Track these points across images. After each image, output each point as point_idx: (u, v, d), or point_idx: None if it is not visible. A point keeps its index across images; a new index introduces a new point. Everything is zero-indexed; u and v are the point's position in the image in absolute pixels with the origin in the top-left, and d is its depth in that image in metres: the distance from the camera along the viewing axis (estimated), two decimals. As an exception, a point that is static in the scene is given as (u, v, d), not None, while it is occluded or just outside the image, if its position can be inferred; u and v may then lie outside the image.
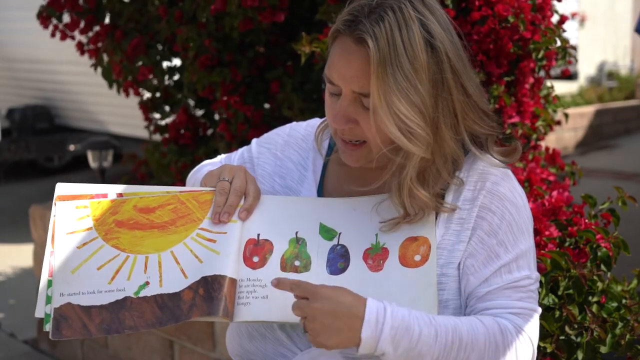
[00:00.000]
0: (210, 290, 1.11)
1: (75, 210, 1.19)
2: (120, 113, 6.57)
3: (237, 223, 1.18)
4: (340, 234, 1.19)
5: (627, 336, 1.56)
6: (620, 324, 1.57)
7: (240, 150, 1.42)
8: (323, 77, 1.17)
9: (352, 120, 1.13)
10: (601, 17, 11.34)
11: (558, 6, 2.36)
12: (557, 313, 1.58)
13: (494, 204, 1.17)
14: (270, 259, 1.17)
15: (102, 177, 4.87)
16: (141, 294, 1.12)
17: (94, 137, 5.90)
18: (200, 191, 1.22)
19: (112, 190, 1.22)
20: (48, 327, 1.11)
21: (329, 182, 1.30)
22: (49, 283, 1.14)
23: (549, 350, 1.55)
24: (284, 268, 1.16)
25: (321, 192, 1.29)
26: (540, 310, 1.18)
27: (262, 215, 1.21)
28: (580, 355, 1.55)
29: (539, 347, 1.56)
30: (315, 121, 1.38)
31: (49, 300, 1.13)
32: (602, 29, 11.37)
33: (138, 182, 3.42)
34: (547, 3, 2.16)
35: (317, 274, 1.15)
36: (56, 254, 1.15)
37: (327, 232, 1.19)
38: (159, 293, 1.12)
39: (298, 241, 1.18)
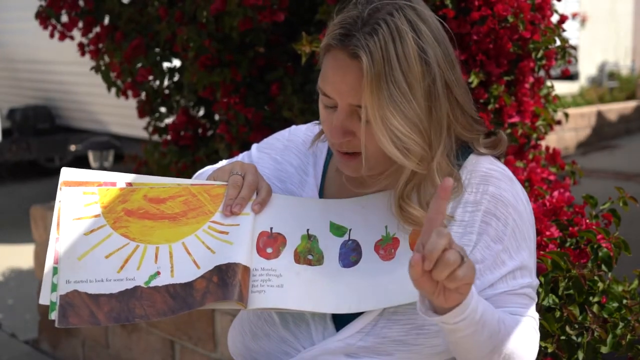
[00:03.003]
0: (224, 277, 1.10)
1: (82, 196, 1.16)
2: (121, 113, 6.57)
3: (249, 216, 1.18)
4: (350, 230, 1.20)
5: (628, 336, 1.56)
6: (621, 324, 1.57)
7: (240, 156, 1.42)
8: (317, 89, 1.16)
9: (349, 132, 1.12)
10: (602, 18, 11.34)
11: (558, 6, 2.36)
12: (558, 313, 1.58)
13: (498, 209, 1.17)
14: (284, 251, 1.17)
15: (103, 177, 4.87)
16: (152, 284, 1.10)
17: (95, 138, 5.91)
18: (212, 185, 1.21)
19: (121, 178, 1.20)
20: (54, 315, 1.08)
21: (329, 186, 1.30)
22: (55, 270, 1.11)
23: (549, 351, 1.54)
24: (297, 260, 1.17)
25: (322, 196, 1.29)
26: (537, 317, 1.20)
27: (274, 211, 1.21)
28: (581, 355, 1.55)
29: (540, 347, 1.56)
30: (316, 124, 1.37)
31: (54, 287, 1.10)
32: (603, 29, 11.37)
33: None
34: (547, 3, 2.16)
35: (330, 268, 1.16)
36: (62, 240, 1.12)
37: (337, 230, 1.20)
38: (170, 283, 1.10)
39: (310, 238, 1.19)
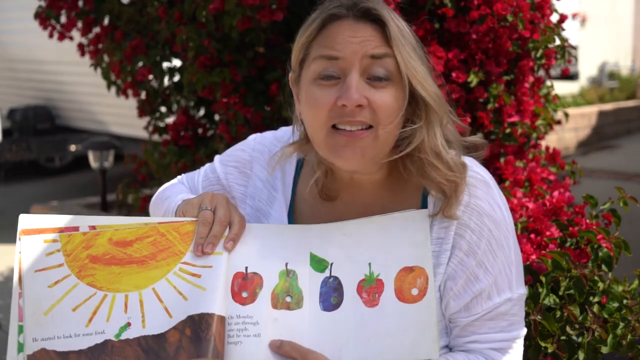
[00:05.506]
0: (197, 330, 1.03)
1: (43, 244, 1.09)
2: (121, 113, 6.57)
3: (222, 255, 1.11)
4: (332, 264, 1.13)
5: (628, 336, 1.55)
6: (621, 324, 1.56)
7: (202, 170, 1.35)
8: (291, 86, 1.14)
9: (362, 96, 1.06)
10: (602, 18, 11.33)
11: (558, 6, 2.36)
12: (558, 313, 1.58)
13: (472, 220, 1.11)
14: (261, 294, 1.10)
15: (103, 177, 4.88)
16: (123, 337, 1.04)
17: (95, 138, 5.91)
18: (181, 222, 1.13)
19: (84, 222, 1.12)
20: None
21: (301, 202, 1.24)
22: (20, 329, 1.04)
23: (550, 351, 1.54)
24: (275, 305, 1.10)
25: (292, 213, 1.23)
26: (524, 330, 1.16)
27: (249, 246, 1.13)
28: (581, 355, 1.55)
29: (540, 347, 1.56)
30: (282, 132, 1.30)
31: (21, 348, 1.04)
32: (603, 30, 11.36)
33: (139, 183, 3.42)
34: (546, 2, 2.16)
35: (310, 311, 1.10)
36: (25, 295, 1.05)
37: (318, 263, 1.13)
38: (142, 335, 1.04)
39: (288, 274, 1.12)
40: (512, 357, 1.13)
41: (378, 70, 1.06)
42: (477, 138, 1.20)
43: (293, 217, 1.23)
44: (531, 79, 2.21)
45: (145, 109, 3.17)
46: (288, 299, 1.11)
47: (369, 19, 1.07)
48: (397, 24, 1.08)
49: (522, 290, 1.15)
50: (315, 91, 1.09)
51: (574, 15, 9.91)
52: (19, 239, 1.10)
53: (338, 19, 1.09)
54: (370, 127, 1.08)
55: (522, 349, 1.16)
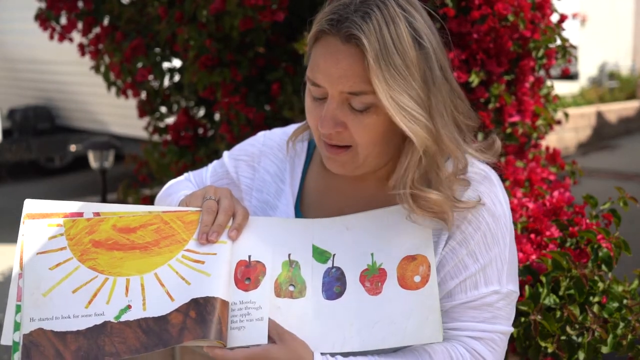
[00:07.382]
0: (203, 312, 1.04)
1: (46, 228, 1.10)
2: (122, 113, 6.58)
3: (226, 244, 1.12)
4: (334, 255, 1.14)
5: (629, 336, 1.56)
6: (621, 324, 1.57)
7: (210, 166, 1.37)
8: (305, 79, 1.12)
9: (340, 123, 1.08)
10: (602, 18, 11.33)
11: (558, 5, 2.36)
12: (558, 313, 1.58)
13: (470, 212, 1.11)
14: (263, 282, 1.11)
15: (104, 177, 4.88)
16: (122, 319, 1.04)
17: (95, 138, 5.92)
18: (185, 211, 1.15)
19: (89, 208, 1.13)
20: (17, 357, 1.02)
21: (308, 195, 1.25)
22: (18, 308, 1.05)
23: (550, 351, 1.54)
24: (278, 293, 1.11)
25: (299, 206, 1.24)
26: (510, 329, 1.14)
27: (252, 236, 1.15)
28: (581, 355, 1.55)
29: (540, 347, 1.56)
30: (292, 128, 1.31)
31: (17, 326, 1.04)
32: (603, 29, 11.37)
33: (139, 183, 3.42)
34: (547, 1, 2.16)
35: (313, 300, 1.11)
36: (25, 276, 1.06)
37: (320, 255, 1.15)
38: (142, 317, 1.04)
39: (291, 264, 1.13)
40: (492, 349, 1.11)
41: (356, 104, 1.06)
42: (497, 144, 1.19)
43: (300, 209, 1.24)
44: (532, 78, 2.22)
45: (145, 109, 3.18)
46: (291, 288, 1.12)
47: (353, 42, 1.04)
48: (377, 45, 1.02)
49: (513, 288, 1.14)
50: (308, 102, 1.13)
51: (574, 15, 9.91)
52: (23, 222, 1.10)
53: (326, 35, 1.06)
54: (350, 145, 1.09)
55: (505, 346, 1.14)
